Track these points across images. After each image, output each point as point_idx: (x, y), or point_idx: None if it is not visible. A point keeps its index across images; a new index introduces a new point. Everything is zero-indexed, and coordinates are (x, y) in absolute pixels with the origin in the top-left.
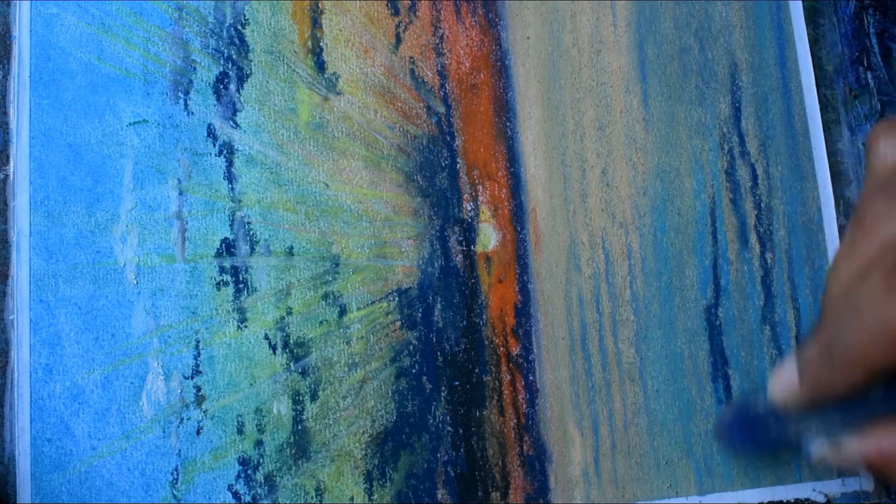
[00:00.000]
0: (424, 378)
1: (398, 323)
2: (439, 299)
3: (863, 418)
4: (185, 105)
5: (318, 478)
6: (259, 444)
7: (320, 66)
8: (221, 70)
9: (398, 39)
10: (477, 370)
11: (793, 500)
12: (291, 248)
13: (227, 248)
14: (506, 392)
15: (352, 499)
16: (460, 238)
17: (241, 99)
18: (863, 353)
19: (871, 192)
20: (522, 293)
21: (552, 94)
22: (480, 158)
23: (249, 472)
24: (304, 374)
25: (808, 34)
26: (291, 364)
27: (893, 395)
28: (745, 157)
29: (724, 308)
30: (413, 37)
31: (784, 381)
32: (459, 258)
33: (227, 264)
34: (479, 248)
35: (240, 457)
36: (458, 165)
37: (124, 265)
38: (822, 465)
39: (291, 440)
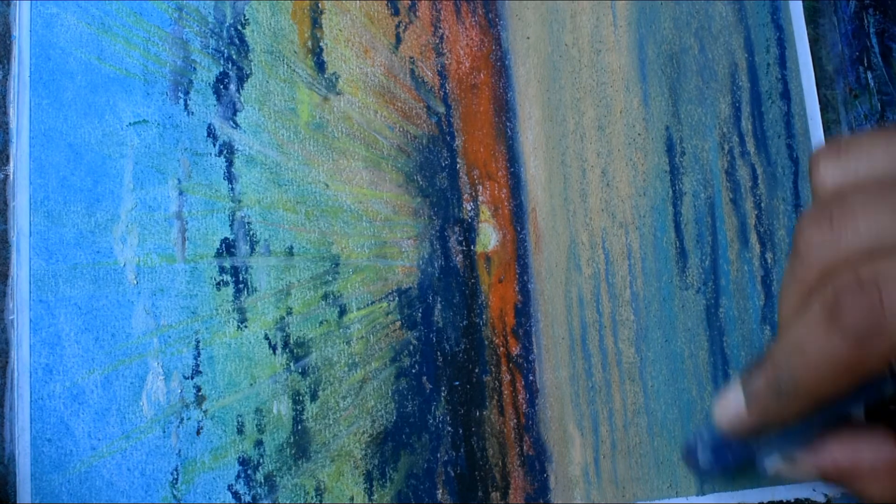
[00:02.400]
0: (424, 378)
1: (398, 323)
2: (439, 299)
3: (813, 436)
4: (185, 105)
5: (318, 478)
6: (259, 444)
7: (320, 66)
8: (221, 70)
9: (398, 39)
10: (477, 370)
11: (793, 500)
12: (291, 248)
13: (227, 248)
14: (506, 392)
15: (352, 499)
16: (460, 238)
17: (241, 99)
18: (808, 388)
19: (804, 218)
20: (522, 293)
21: (552, 94)
22: (480, 158)
23: (249, 472)
24: (304, 374)
25: (808, 34)
26: (291, 364)
27: (838, 411)
28: (745, 157)
29: (724, 308)
30: (413, 37)
31: (730, 409)
32: (459, 258)
33: (227, 264)
34: (479, 248)
35: (240, 457)
36: (458, 165)
37: (124, 265)
38: (780, 478)
39: (291, 440)
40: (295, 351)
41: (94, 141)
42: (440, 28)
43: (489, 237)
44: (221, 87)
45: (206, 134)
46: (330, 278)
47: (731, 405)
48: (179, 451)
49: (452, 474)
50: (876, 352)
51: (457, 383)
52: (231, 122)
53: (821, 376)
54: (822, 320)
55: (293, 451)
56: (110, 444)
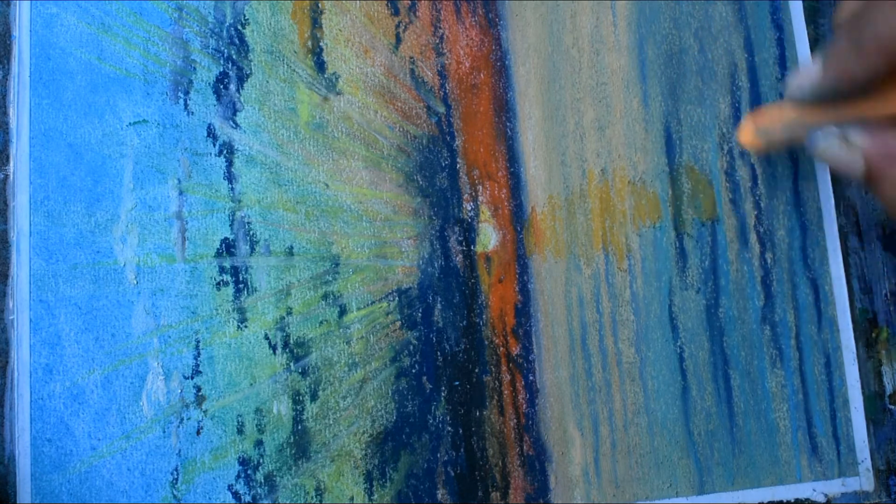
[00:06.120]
0: (424, 378)
1: (398, 323)
2: (439, 299)
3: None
4: (185, 105)
5: (318, 478)
6: (259, 444)
7: (320, 66)
8: (221, 70)
9: (398, 39)
10: (477, 370)
11: (793, 500)
12: (291, 248)
13: (227, 248)
14: (506, 392)
15: (352, 499)
16: (460, 238)
17: (241, 99)
18: (890, 36)
19: None
20: (522, 293)
21: (552, 94)
22: (480, 158)
23: (249, 472)
24: (304, 374)
25: (808, 34)
26: (291, 364)
27: None
28: (745, 157)
29: (724, 308)
30: (413, 37)
31: (805, 75)
32: (459, 258)
33: (227, 264)
34: (479, 248)
35: (240, 457)
36: (458, 165)
37: (124, 265)
38: (824, 159)
39: (291, 440)
40: (295, 351)
41: (94, 141)
42: (440, 28)
43: (489, 237)
44: (221, 87)
45: (206, 134)
46: (330, 278)
47: (805, 72)
48: (179, 451)
49: (452, 474)
50: None
51: (457, 383)
52: (231, 122)
53: None
54: None
55: (293, 451)
56: (110, 444)
